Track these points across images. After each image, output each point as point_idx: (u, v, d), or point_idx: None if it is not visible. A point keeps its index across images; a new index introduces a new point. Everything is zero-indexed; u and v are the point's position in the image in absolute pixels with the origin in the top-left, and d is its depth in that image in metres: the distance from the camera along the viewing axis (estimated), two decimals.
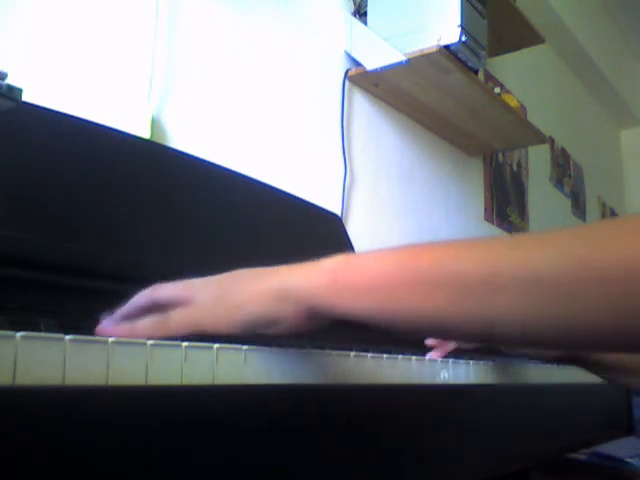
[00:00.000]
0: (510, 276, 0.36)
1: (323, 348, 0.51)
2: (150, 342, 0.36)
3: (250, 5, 1.30)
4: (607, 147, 3.84)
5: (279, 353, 0.45)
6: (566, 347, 0.72)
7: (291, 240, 0.91)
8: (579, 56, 3.09)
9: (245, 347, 0.43)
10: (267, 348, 0.44)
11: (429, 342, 0.75)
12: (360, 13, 1.58)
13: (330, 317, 0.43)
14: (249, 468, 0.40)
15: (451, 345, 0.74)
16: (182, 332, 0.43)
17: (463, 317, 0.39)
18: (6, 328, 0.31)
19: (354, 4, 1.59)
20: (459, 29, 1.43)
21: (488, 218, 2.24)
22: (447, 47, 1.45)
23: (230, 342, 0.42)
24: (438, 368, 0.64)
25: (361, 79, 1.57)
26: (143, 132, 0.98)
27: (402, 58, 1.45)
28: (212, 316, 0.44)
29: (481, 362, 0.70)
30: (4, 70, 0.57)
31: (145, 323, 0.44)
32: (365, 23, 1.55)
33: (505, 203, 2.37)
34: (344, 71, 1.54)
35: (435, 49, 1.43)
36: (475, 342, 0.73)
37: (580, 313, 0.35)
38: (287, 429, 0.42)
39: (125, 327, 0.44)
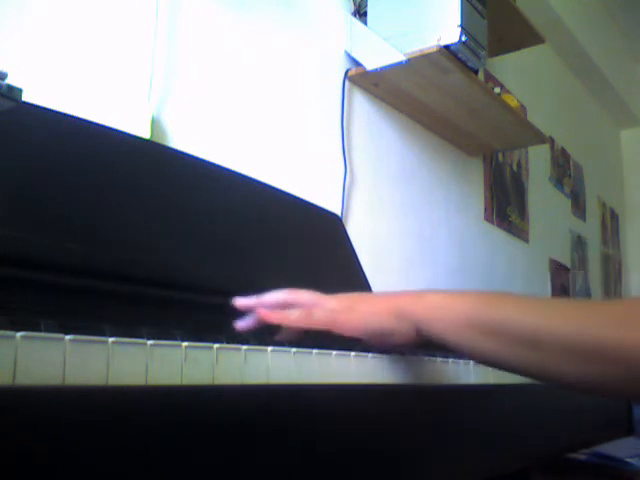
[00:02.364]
0: (550, 341, 0.47)
1: (325, 348, 0.51)
2: (150, 342, 0.36)
3: (250, 5, 1.30)
4: (607, 147, 3.84)
5: (279, 353, 0.45)
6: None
7: (291, 240, 0.91)
8: (579, 56, 3.09)
9: (245, 347, 0.43)
10: (267, 348, 0.44)
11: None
12: (360, 13, 1.58)
13: (429, 338, 0.55)
14: (249, 468, 0.39)
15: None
16: (319, 327, 0.56)
17: (519, 365, 0.51)
18: (6, 328, 0.31)
19: (354, 4, 1.59)
20: (459, 29, 1.43)
21: (488, 218, 2.24)
22: (447, 47, 1.45)
23: (230, 342, 0.42)
24: (438, 368, 0.64)
25: (361, 79, 1.57)
26: (143, 132, 0.98)
27: (402, 58, 1.45)
28: (343, 320, 0.56)
29: None
30: (4, 70, 0.57)
31: (294, 314, 0.57)
32: (365, 23, 1.55)
33: (505, 203, 2.37)
34: (344, 71, 1.54)
35: (435, 49, 1.43)
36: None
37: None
38: (287, 429, 0.42)
39: (281, 314, 0.56)
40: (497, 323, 0.51)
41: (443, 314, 0.53)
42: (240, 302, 0.59)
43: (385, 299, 0.58)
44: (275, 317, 0.56)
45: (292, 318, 0.56)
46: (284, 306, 0.58)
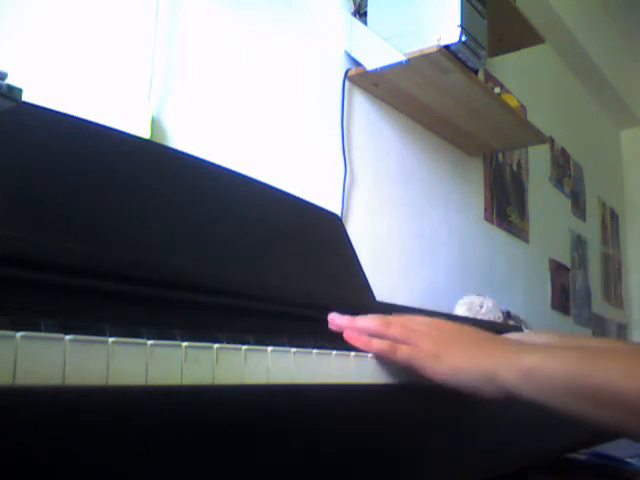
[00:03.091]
0: None
1: (324, 348, 0.51)
2: (150, 342, 0.36)
3: (250, 5, 1.30)
4: (607, 147, 3.84)
5: (279, 353, 0.45)
6: None
7: (291, 240, 0.91)
8: (579, 56, 3.09)
9: (245, 347, 0.43)
10: (267, 348, 0.44)
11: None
12: (360, 13, 1.58)
13: (524, 401, 0.52)
14: (249, 468, 0.39)
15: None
16: (401, 363, 0.55)
17: (628, 429, 0.48)
18: (6, 328, 0.31)
19: (354, 4, 1.59)
20: (459, 29, 1.43)
21: (488, 218, 2.24)
22: (447, 47, 1.46)
23: (230, 342, 0.42)
24: None
25: (361, 79, 1.57)
26: (143, 132, 0.98)
27: (402, 58, 1.45)
28: (428, 365, 0.54)
29: None
30: (4, 70, 0.57)
31: (379, 343, 0.56)
32: (365, 23, 1.55)
33: (505, 203, 2.37)
34: (344, 71, 1.54)
35: (435, 49, 1.43)
36: None
37: None
38: (287, 429, 0.42)
39: (365, 339, 0.56)
40: (600, 389, 0.48)
41: (541, 380, 0.51)
42: (333, 322, 0.59)
43: (475, 354, 0.55)
44: (359, 341, 0.56)
45: (375, 347, 0.56)
46: (373, 335, 0.57)
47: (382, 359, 0.56)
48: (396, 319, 0.59)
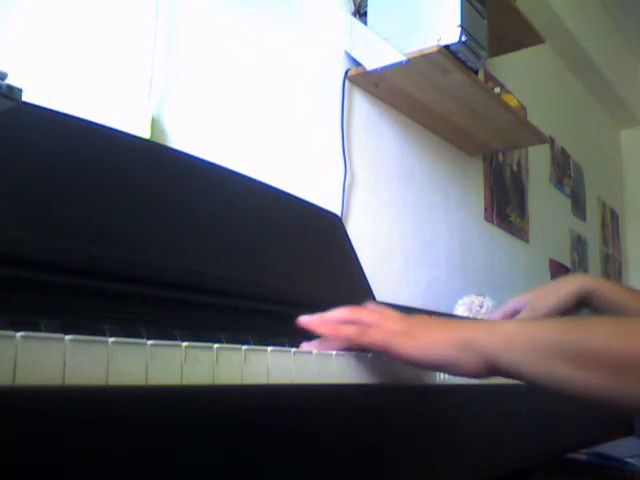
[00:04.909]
0: None
1: None
2: (150, 342, 0.36)
3: (250, 5, 1.30)
4: (607, 147, 3.84)
5: (279, 353, 0.45)
6: None
7: (291, 240, 0.91)
8: (579, 56, 3.09)
9: (245, 347, 0.43)
10: (267, 348, 0.45)
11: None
12: (360, 13, 1.58)
13: (501, 371, 0.51)
14: (249, 468, 0.40)
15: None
16: (372, 346, 0.53)
17: (613, 395, 0.46)
18: (6, 328, 0.31)
19: (354, 4, 1.59)
20: (459, 29, 1.43)
21: (488, 218, 2.24)
22: (447, 47, 1.45)
23: (230, 342, 0.42)
24: None
25: (361, 79, 1.57)
26: (143, 132, 0.98)
27: (402, 58, 1.45)
28: (401, 344, 0.52)
29: None
30: (4, 70, 0.57)
31: (347, 328, 0.54)
32: (365, 23, 1.55)
33: (505, 203, 2.37)
34: (344, 71, 1.54)
35: (435, 49, 1.43)
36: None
37: None
38: (287, 429, 0.42)
39: (333, 325, 0.54)
40: (591, 352, 0.47)
41: (522, 344, 0.50)
42: (304, 320, 0.55)
43: (451, 328, 0.53)
44: (327, 329, 0.54)
45: (345, 333, 0.54)
46: (344, 323, 0.55)
47: (363, 357, 0.54)
48: (366, 307, 0.57)
